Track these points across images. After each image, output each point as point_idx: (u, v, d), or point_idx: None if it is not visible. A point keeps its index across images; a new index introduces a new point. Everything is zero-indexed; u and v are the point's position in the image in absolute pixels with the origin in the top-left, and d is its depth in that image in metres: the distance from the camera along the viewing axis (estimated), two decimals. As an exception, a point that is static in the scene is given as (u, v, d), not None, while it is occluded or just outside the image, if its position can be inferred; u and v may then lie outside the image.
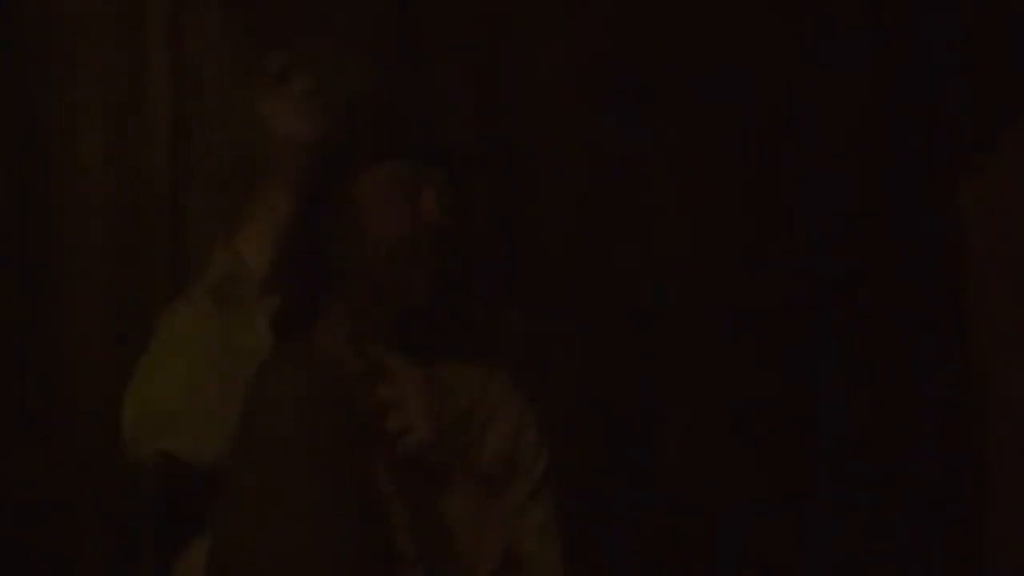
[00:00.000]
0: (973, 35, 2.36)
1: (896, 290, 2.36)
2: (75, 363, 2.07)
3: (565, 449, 1.93)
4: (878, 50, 2.37)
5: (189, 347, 1.62)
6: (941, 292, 2.37)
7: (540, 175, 2.25)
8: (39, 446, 2.03)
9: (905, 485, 2.32)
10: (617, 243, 2.27)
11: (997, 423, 2.33)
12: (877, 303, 2.35)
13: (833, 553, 2.28)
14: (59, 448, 2.05)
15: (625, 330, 2.27)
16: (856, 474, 2.30)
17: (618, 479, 2.24)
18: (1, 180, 2.07)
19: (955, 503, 2.32)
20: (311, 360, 1.57)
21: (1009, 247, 2.34)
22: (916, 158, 2.38)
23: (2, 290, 2.06)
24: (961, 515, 2.32)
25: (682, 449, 2.27)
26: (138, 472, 1.64)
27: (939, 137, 2.37)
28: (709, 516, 2.27)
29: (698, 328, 2.29)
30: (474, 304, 2.08)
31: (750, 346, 2.31)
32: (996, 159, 2.36)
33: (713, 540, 2.27)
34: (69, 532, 2.03)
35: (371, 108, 1.80)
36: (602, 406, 2.22)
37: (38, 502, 2.02)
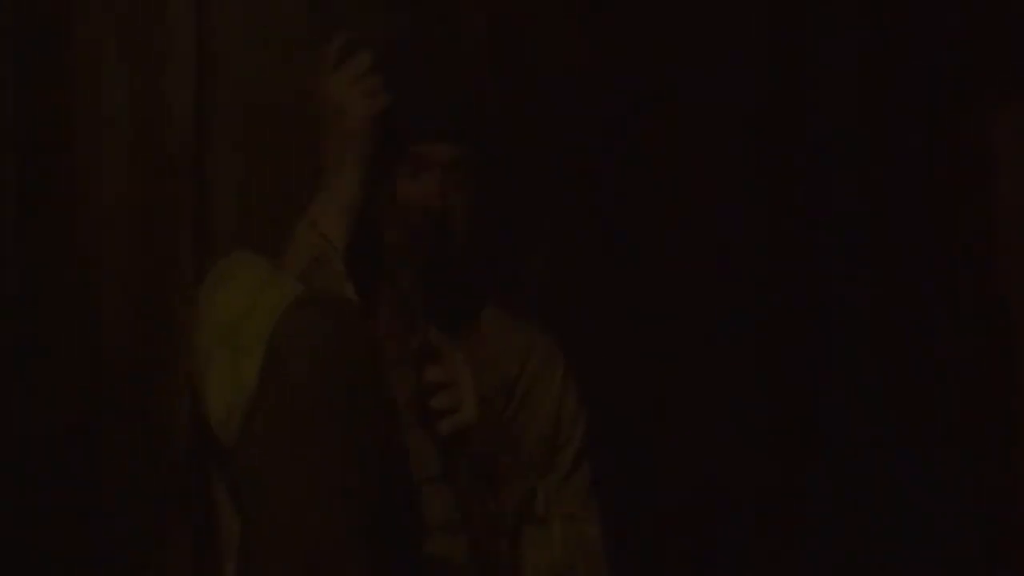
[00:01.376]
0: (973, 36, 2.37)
1: (896, 290, 2.36)
2: (106, 357, 2.07)
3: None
4: (878, 48, 2.37)
5: None
6: (941, 292, 2.37)
7: (538, 178, 2.25)
8: (40, 444, 2.05)
9: (906, 485, 2.32)
10: (616, 243, 2.28)
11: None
12: (877, 303, 2.35)
13: (833, 553, 2.28)
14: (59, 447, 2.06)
15: (626, 330, 2.27)
16: (856, 474, 2.31)
17: (618, 479, 2.24)
18: (26, 143, 2.07)
19: (955, 503, 2.32)
20: (338, 305, 1.54)
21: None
22: (916, 158, 2.38)
23: (26, 266, 2.06)
24: (962, 515, 2.32)
25: (682, 449, 2.27)
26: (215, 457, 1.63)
27: (938, 136, 2.38)
28: (709, 515, 2.27)
29: (699, 328, 2.30)
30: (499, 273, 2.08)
31: (750, 346, 2.31)
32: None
33: (713, 539, 2.27)
34: (69, 531, 2.04)
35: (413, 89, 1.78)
36: (602, 406, 2.22)
37: (38, 502, 2.02)
